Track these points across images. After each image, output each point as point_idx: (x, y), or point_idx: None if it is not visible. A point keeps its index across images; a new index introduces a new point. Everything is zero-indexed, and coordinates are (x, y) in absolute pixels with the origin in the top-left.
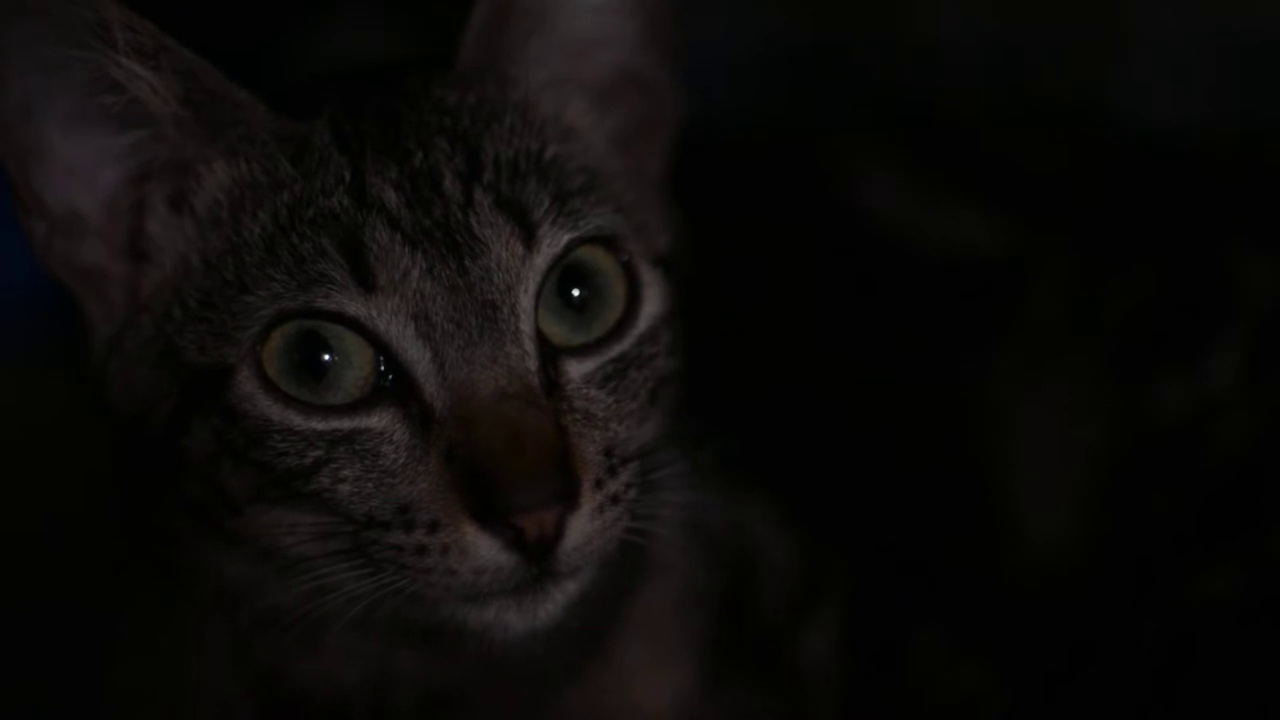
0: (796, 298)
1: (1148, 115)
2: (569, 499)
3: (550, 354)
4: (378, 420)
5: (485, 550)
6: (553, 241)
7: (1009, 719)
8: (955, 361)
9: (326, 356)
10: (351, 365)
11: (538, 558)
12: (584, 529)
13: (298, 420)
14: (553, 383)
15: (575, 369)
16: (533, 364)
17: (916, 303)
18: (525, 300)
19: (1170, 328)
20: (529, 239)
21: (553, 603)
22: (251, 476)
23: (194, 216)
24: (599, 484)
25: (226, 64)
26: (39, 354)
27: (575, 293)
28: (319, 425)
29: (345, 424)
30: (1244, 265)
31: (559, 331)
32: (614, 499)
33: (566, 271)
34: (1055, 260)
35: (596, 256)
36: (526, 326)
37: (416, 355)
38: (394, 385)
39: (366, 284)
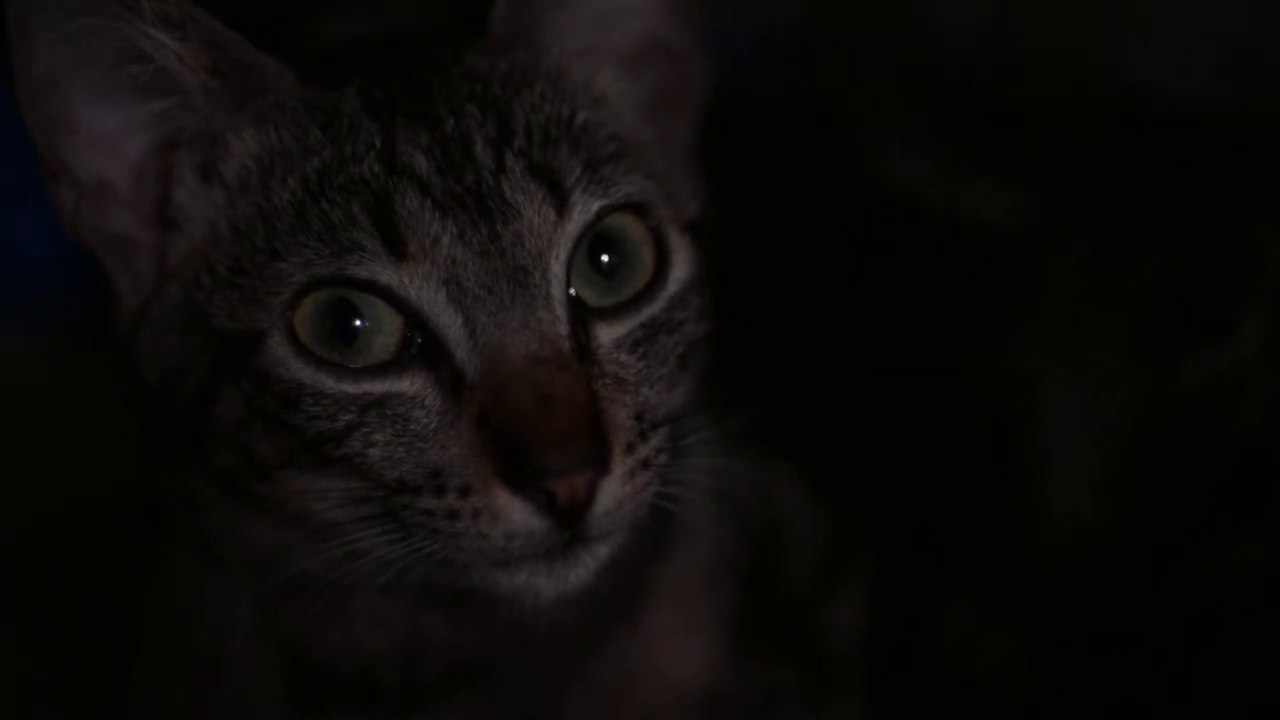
0: (821, 268)
1: (1171, 88)
2: (600, 463)
3: (581, 319)
4: (409, 384)
5: (517, 515)
6: (584, 208)
7: (1036, 691)
8: (979, 334)
9: (358, 322)
10: (382, 331)
11: (569, 522)
12: (615, 493)
13: (330, 383)
14: (584, 347)
15: (606, 334)
16: (564, 329)
17: (940, 275)
18: (557, 266)
19: (1194, 301)
20: (561, 205)
21: (583, 567)
22: (282, 442)
23: (223, 184)
24: (630, 448)
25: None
26: (66, 328)
27: (605, 258)
28: (351, 388)
29: (377, 387)
30: (1269, 238)
31: (589, 295)
32: (644, 464)
33: (597, 237)
34: (1078, 234)
35: (626, 223)
36: (558, 292)
37: (448, 320)
38: (425, 350)
39: (398, 252)
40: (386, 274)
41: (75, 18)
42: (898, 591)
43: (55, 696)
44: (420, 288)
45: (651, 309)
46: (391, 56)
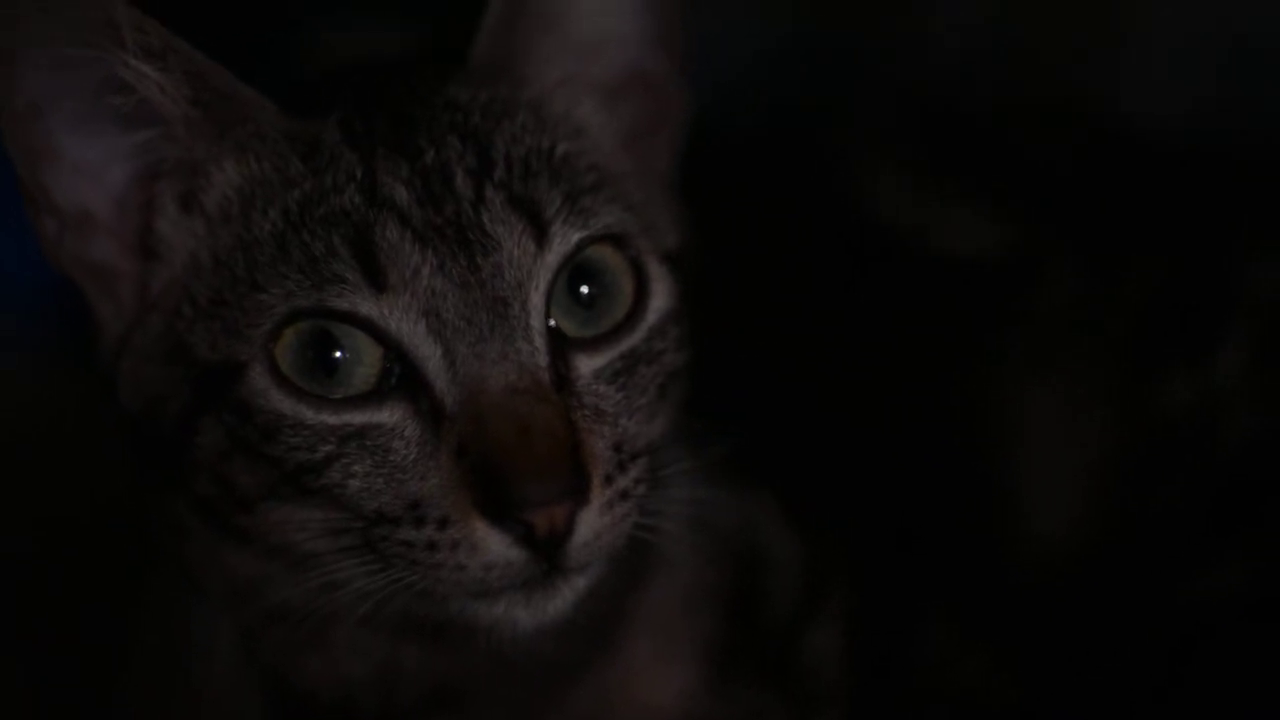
0: (802, 295)
1: (1153, 113)
2: (579, 494)
3: (560, 350)
4: (388, 415)
5: (495, 546)
6: (564, 240)
7: (1017, 711)
8: (961, 357)
9: (338, 353)
10: (362, 362)
11: (548, 553)
12: (594, 524)
13: (309, 414)
14: (563, 378)
15: (585, 365)
16: (543, 360)
17: (922, 299)
18: (536, 297)
19: (1177, 324)
20: (541, 237)
21: (561, 598)
22: (263, 473)
23: (204, 215)
24: (609, 479)
25: (236, 62)
26: (52, 351)
27: (584, 290)
28: (330, 419)
29: (357, 419)
30: (1250, 262)
31: (568, 326)
32: (623, 495)
33: (576, 268)
34: (1061, 257)
35: (606, 254)
36: (537, 323)
37: (428, 352)
38: (404, 381)
39: (378, 283)
40: (367, 305)
41: (58, 48)
42: (878, 613)
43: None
44: (400, 319)
45: (631, 340)
46: (373, 86)
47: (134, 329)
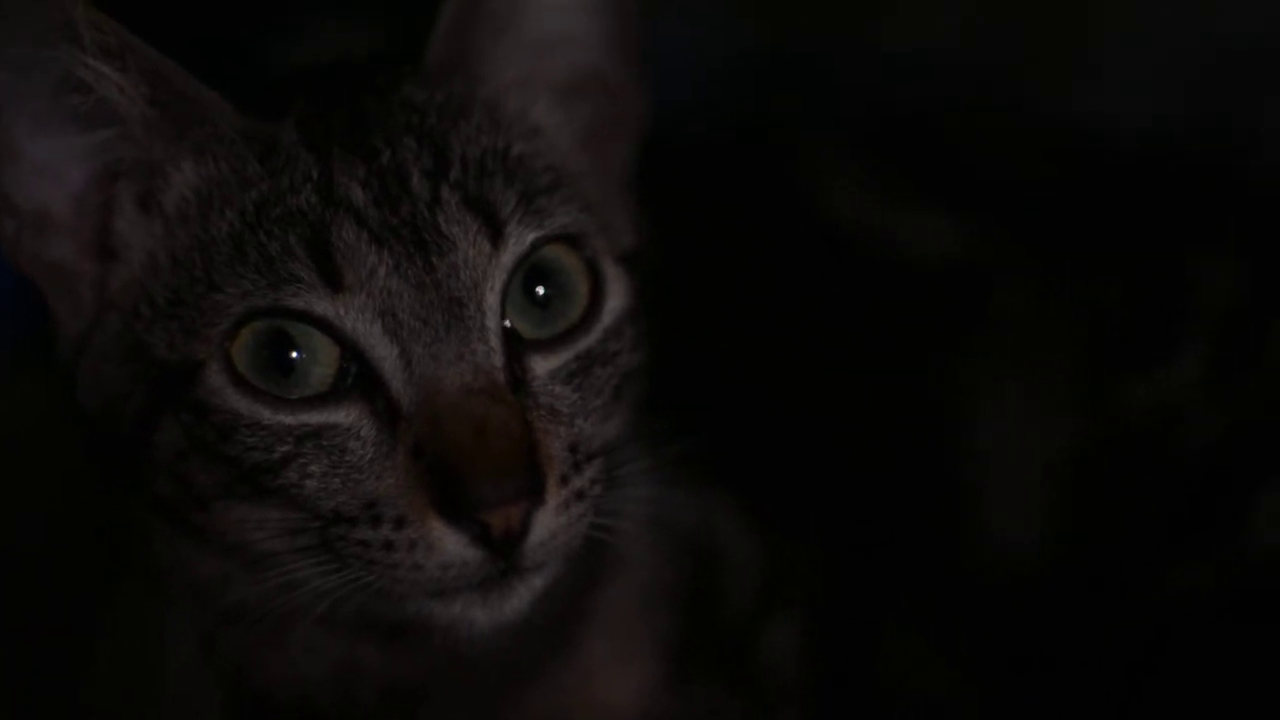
0: (762, 298)
1: (1109, 121)
2: (535, 494)
3: (516, 350)
4: (345, 415)
5: (451, 546)
6: (519, 240)
7: (977, 717)
8: (921, 363)
9: (295, 353)
10: (319, 362)
11: (504, 553)
12: (549, 524)
13: (266, 414)
14: (518, 379)
15: (541, 365)
16: (499, 360)
17: (882, 305)
18: (491, 297)
19: (1134, 329)
20: (496, 237)
21: (518, 598)
22: (220, 472)
23: (162, 215)
24: (564, 479)
25: (209, 61)
26: (15, 351)
27: (540, 290)
28: (287, 419)
29: (313, 419)
30: (1207, 267)
31: (524, 327)
32: (579, 495)
33: (531, 269)
34: (1020, 263)
35: (561, 254)
36: (493, 323)
37: (384, 352)
38: (361, 381)
39: (334, 283)
40: (323, 305)
41: (16, 47)
42: (838, 617)
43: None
44: (356, 319)
45: (586, 340)
46: (330, 86)
47: (92, 328)
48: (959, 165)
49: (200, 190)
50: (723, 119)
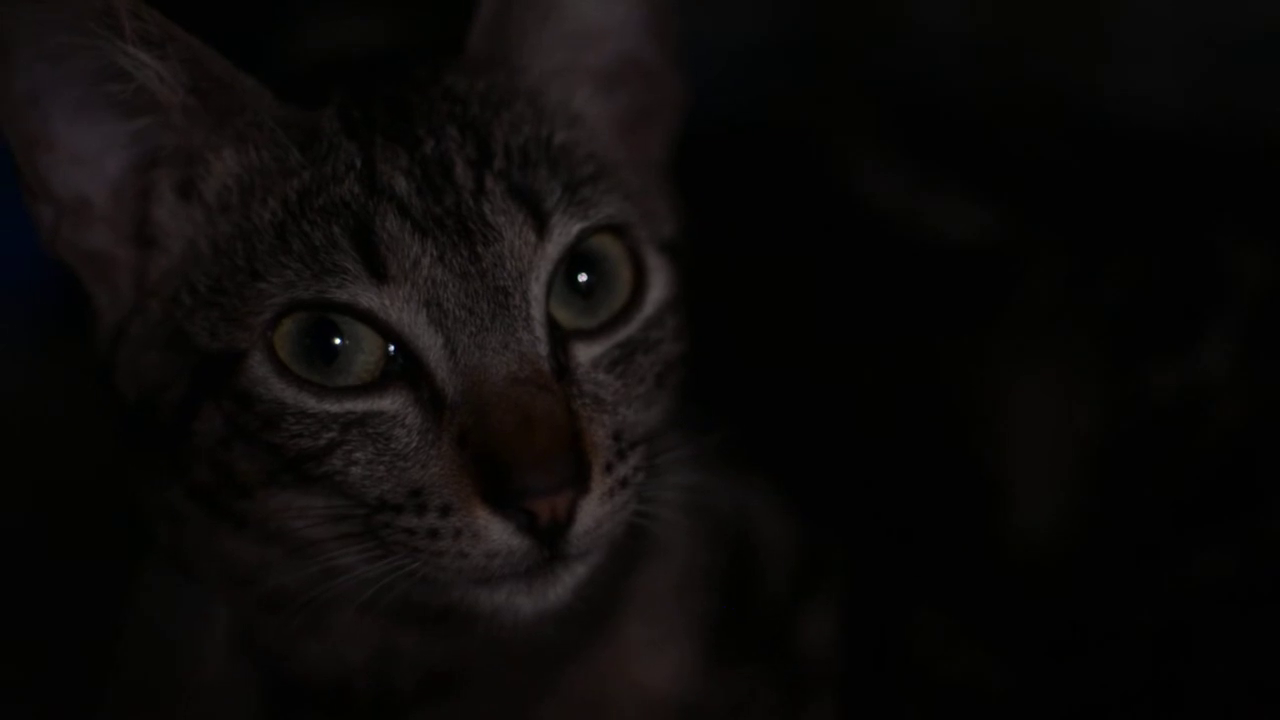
0: (795, 284)
1: (1140, 103)
2: (580, 483)
3: (560, 339)
4: (390, 403)
5: (497, 534)
6: (564, 230)
7: (1009, 699)
8: (949, 346)
9: (338, 341)
10: (363, 351)
11: (549, 541)
12: (594, 512)
13: (311, 403)
14: (563, 368)
15: (584, 353)
16: (544, 349)
17: (911, 289)
18: (537, 288)
19: (1164, 314)
20: (541, 228)
21: (562, 585)
22: (263, 460)
23: (203, 203)
24: (609, 468)
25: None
26: (45, 337)
27: (582, 278)
28: (333, 407)
29: (359, 406)
30: (1237, 252)
31: (567, 316)
32: (623, 482)
33: (575, 258)
34: (1049, 247)
35: (605, 244)
36: (538, 313)
37: (428, 342)
38: (405, 369)
39: (379, 274)
40: (367, 296)
41: (55, 36)
42: (871, 601)
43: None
44: (401, 310)
45: (629, 329)
46: (371, 75)
47: (132, 317)
48: (989, 148)
49: (242, 178)
50: (752, 103)
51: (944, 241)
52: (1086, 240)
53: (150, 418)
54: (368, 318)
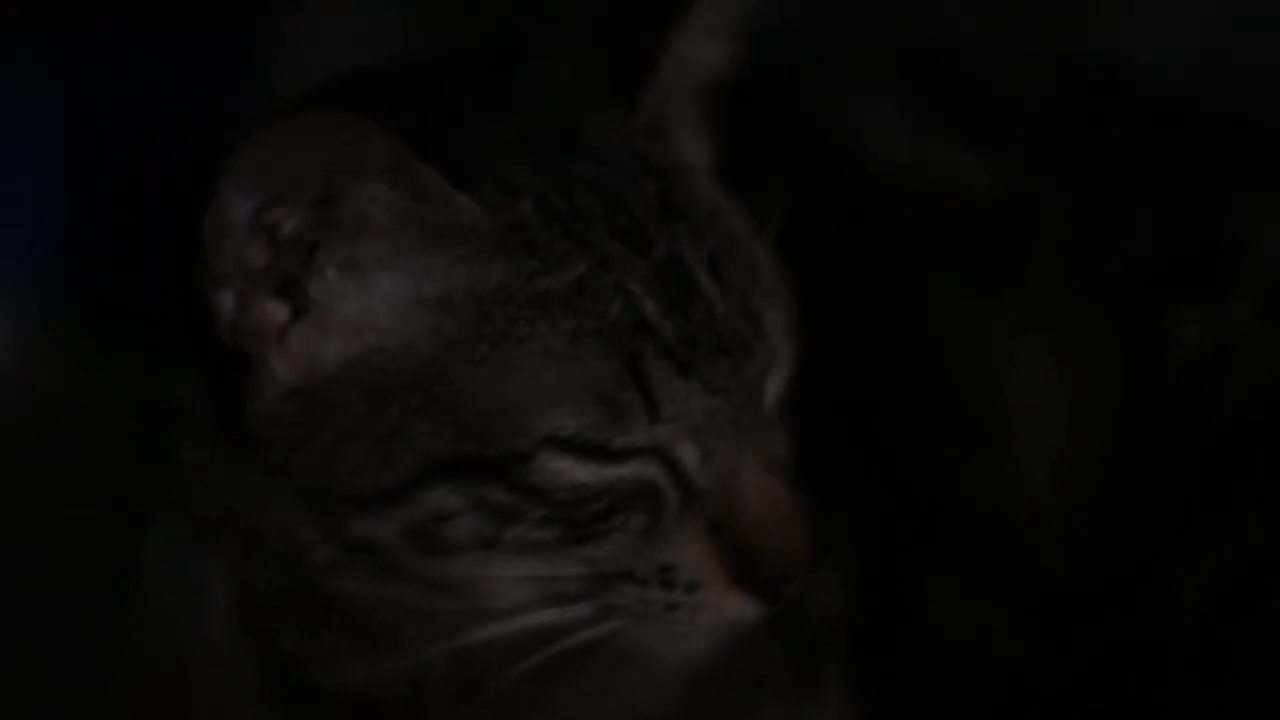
0: (789, 237)
1: (1156, 60)
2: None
3: None
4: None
5: (738, 609)
6: (780, 329)
7: (1020, 663)
8: (955, 306)
9: None
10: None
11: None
12: None
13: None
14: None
15: None
16: (784, 445)
17: (916, 246)
18: (776, 387)
19: (1183, 266)
20: (779, 334)
21: None
22: (485, 526)
23: None
24: None
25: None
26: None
27: None
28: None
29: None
30: (1253, 218)
31: None
32: None
33: None
34: (1060, 203)
35: None
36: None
37: (686, 453)
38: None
39: (654, 416)
40: (643, 436)
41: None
42: (880, 570)
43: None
44: (668, 438)
45: None
46: (522, 135)
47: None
48: (995, 101)
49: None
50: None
51: (953, 193)
52: (1099, 199)
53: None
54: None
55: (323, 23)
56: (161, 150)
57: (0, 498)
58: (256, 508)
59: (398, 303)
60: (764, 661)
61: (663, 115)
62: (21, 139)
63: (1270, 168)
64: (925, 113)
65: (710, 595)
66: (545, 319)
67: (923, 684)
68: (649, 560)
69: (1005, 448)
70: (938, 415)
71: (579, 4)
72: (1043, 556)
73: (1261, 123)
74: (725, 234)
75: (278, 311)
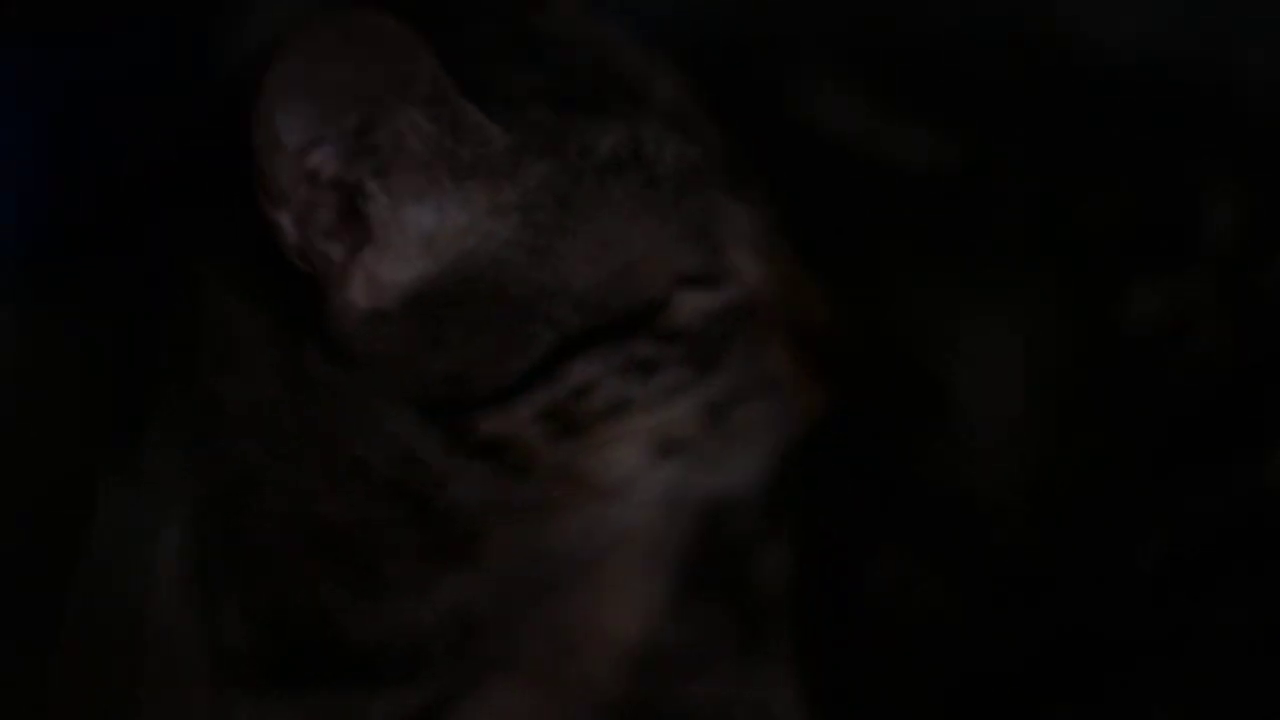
0: None
1: (1110, 35)
2: None
3: None
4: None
5: (820, 396)
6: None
7: (968, 637)
8: (910, 280)
9: None
10: None
11: None
12: None
13: None
14: None
15: None
16: None
17: (870, 221)
18: None
19: (1138, 239)
20: None
21: None
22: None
23: None
24: None
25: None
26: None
27: None
28: None
29: None
30: (1207, 187)
31: None
32: None
33: None
34: (1015, 174)
35: None
36: None
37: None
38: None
39: (736, 237)
40: (735, 256)
41: None
42: (828, 538)
43: None
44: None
45: None
46: None
47: None
48: (950, 75)
49: None
50: (697, 36)
51: (907, 166)
52: (1054, 172)
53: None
54: None
55: None
56: (152, 121)
57: None
58: (356, 434)
59: (451, 226)
60: (709, 629)
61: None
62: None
63: (1227, 144)
64: (878, 90)
65: (799, 388)
66: (601, 191)
67: (871, 657)
68: (752, 374)
69: (961, 419)
70: (895, 388)
71: None
72: (996, 531)
73: (1218, 98)
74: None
75: (337, 244)
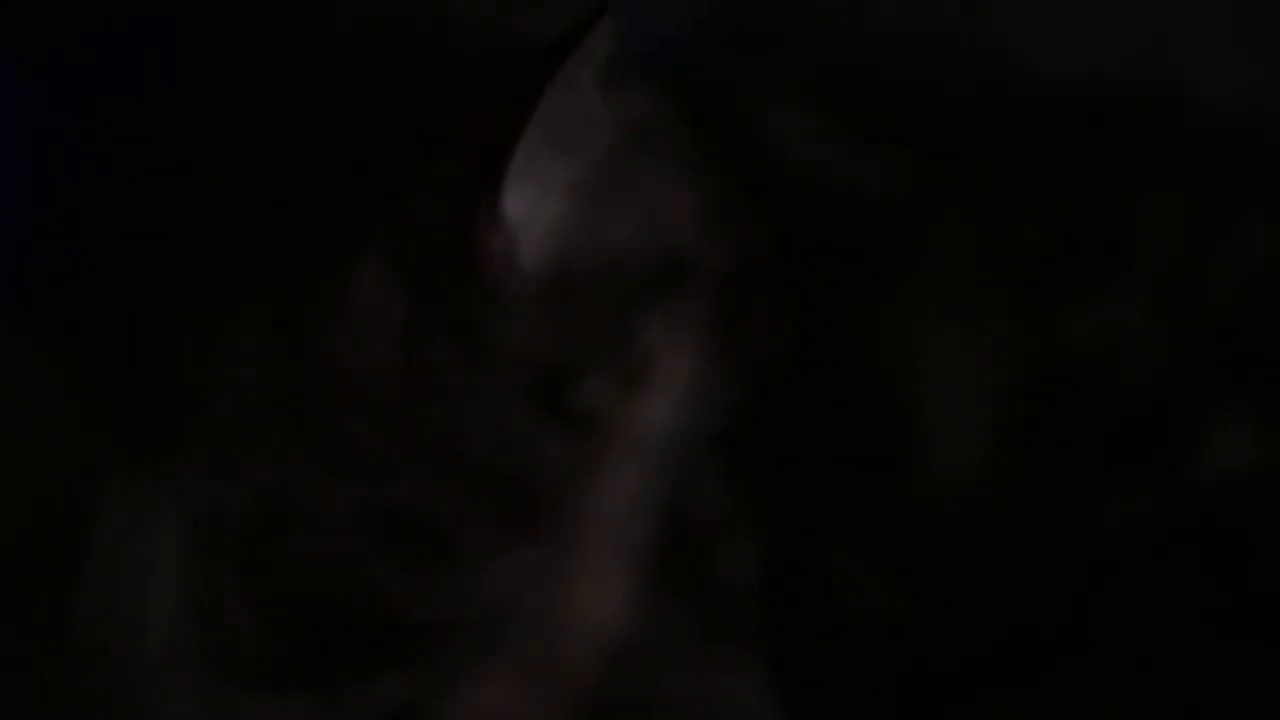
0: None
1: (1055, 66)
2: None
3: None
4: None
5: None
6: None
7: (923, 636)
8: (863, 297)
9: None
10: None
11: None
12: None
13: None
14: None
15: None
16: None
17: (822, 240)
18: None
19: (1074, 269)
20: None
21: None
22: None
23: None
24: None
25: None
26: None
27: None
28: None
29: None
30: (1150, 207)
31: None
32: None
33: None
34: (960, 202)
35: None
36: None
37: None
38: None
39: None
40: None
41: None
42: (788, 538)
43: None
44: None
45: None
46: None
47: None
48: (893, 102)
49: None
50: (655, 50)
51: (854, 195)
52: (998, 196)
53: None
54: None
55: None
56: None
57: None
58: (469, 414)
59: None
60: (673, 622)
61: None
62: None
63: (1167, 165)
64: (827, 112)
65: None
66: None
67: (830, 655)
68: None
69: (916, 433)
70: (850, 401)
71: None
72: (951, 537)
73: (1162, 123)
74: None
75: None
